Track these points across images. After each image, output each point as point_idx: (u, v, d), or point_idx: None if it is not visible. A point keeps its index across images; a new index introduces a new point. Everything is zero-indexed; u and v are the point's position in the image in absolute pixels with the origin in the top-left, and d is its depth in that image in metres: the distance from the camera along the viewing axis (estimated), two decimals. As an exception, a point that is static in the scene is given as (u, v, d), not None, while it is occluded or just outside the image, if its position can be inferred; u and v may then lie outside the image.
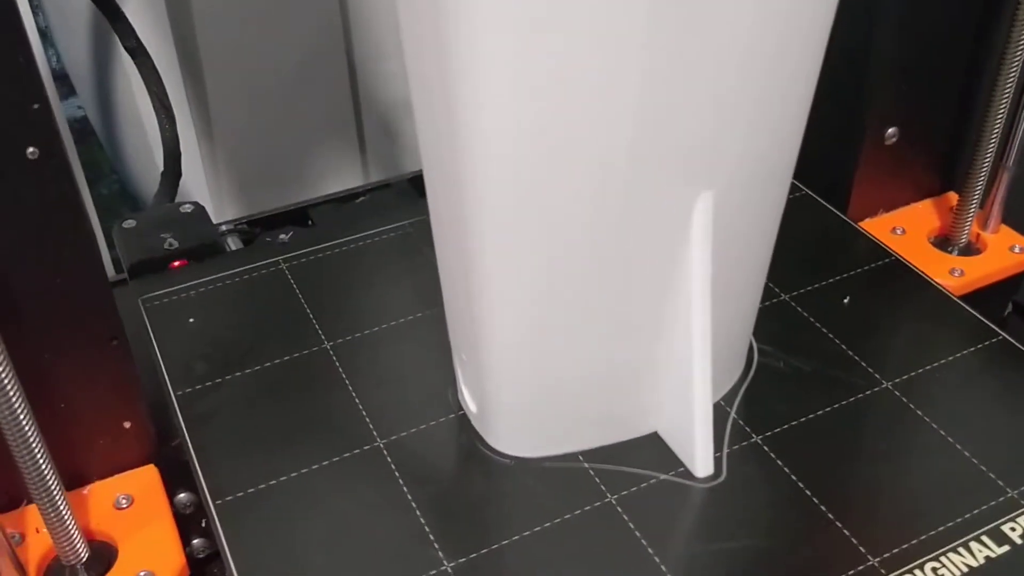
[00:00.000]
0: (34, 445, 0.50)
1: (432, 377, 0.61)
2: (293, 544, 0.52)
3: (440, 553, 0.52)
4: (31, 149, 0.49)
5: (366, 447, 0.57)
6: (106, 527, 0.57)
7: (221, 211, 0.98)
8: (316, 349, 0.63)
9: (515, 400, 0.56)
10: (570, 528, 0.53)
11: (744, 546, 0.52)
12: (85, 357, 0.56)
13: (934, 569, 0.50)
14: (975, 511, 0.53)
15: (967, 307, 0.66)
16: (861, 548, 0.51)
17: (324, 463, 0.56)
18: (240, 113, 0.94)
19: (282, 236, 0.75)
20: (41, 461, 0.50)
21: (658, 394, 0.56)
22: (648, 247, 0.51)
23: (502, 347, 0.54)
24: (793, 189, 0.76)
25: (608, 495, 0.54)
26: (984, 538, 0.52)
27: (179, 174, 0.86)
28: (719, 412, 0.58)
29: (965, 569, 0.50)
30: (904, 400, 0.59)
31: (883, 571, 0.50)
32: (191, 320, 0.65)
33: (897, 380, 0.60)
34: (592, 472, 0.56)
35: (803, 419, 0.58)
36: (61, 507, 0.52)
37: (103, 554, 0.55)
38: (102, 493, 0.58)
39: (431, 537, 0.52)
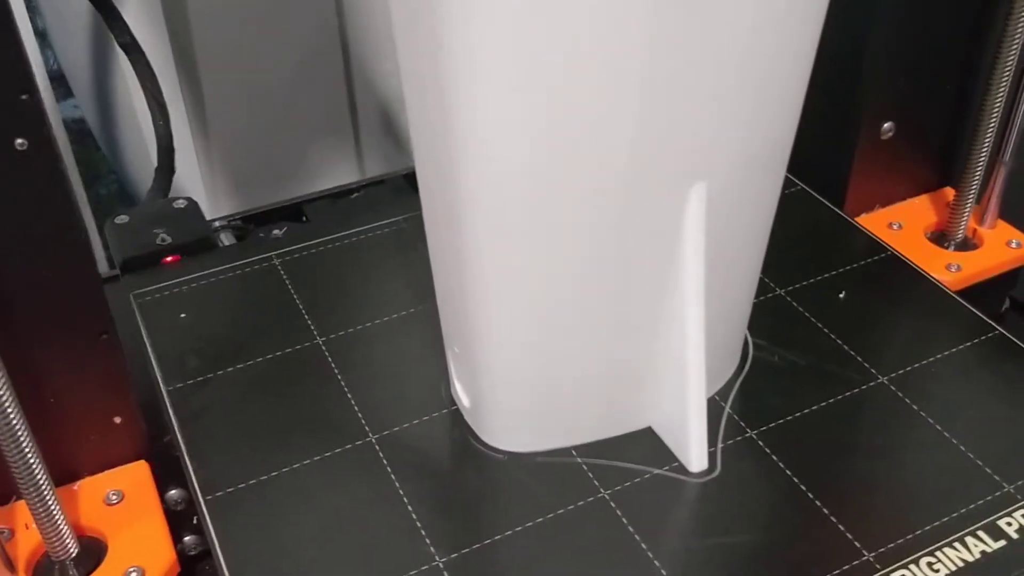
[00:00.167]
0: (23, 440, 0.49)
1: (425, 372, 0.61)
2: (284, 539, 0.52)
3: (432, 548, 0.51)
4: (20, 140, 0.49)
5: (358, 442, 0.57)
6: (96, 523, 0.56)
7: (216, 207, 0.98)
8: (308, 344, 0.63)
9: (508, 395, 0.55)
10: (563, 523, 0.53)
11: (738, 541, 0.52)
12: (75, 351, 0.56)
13: (929, 564, 0.50)
14: (971, 506, 0.53)
15: (963, 302, 0.65)
16: (856, 543, 0.51)
17: (316, 458, 0.56)
18: (235, 110, 0.94)
19: (275, 232, 0.75)
20: (30, 456, 0.50)
21: (652, 389, 0.56)
22: (642, 241, 0.51)
23: (495, 342, 0.54)
24: (789, 184, 0.76)
25: (601, 490, 0.54)
26: (980, 533, 0.51)
27: (173, 170, 0.85)
28: (714, 407, 0.58)
29: (961, 564, 0.50)
30: (900, 395, 0.59)
31: (878, 566, 0.50)
32: (183, 315, 0.65)
33: (893, 375, 0.60)
34: (585, 467, 0.55)
35: (798, 414, 0.58)
36: (50, 503, 0.52)
37: (93, 550, 0.55)
38: (92, 489, 0.58)
39: (423, 532, 0.52)
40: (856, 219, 0.75)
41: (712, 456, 0.55)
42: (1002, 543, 0.51)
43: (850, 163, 0.76)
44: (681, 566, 0.51)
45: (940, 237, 0.76)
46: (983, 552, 0.50)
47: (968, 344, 0.62)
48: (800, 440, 0.56)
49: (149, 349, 0.63)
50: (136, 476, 0.59)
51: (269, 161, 0.98)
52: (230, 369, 0.61)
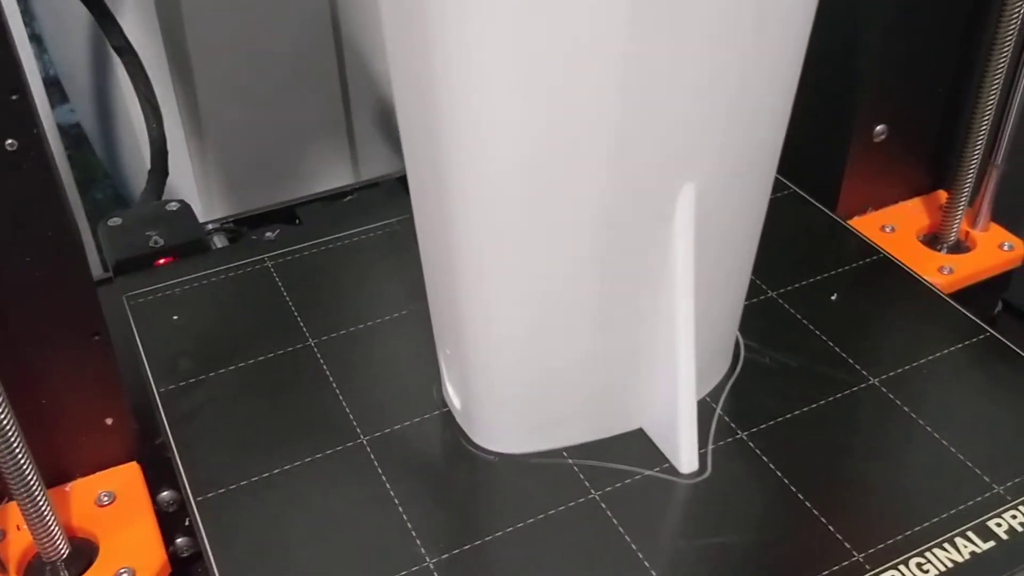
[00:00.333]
0: (14, 441, 0.49)
1: (416, 374, 0.61)
2: (275, 540, 0.52)
3: (423, 549, 0.51)
4: (9, 141, 0.49)
5: (349, 443, 0.57)
6: (87, 524, 0.56)
7: (210, 210, 0.98)
8: (300, 346, 0.63)
9: (499, 396, 0.55)
10: (554, 524, 0.53)
11: (728, 542, 0.52)
12: (67, 352, 0.56)
13: (919, 564, 0.50)
14: (960, 507, 0.53)
15: (954, 303, 0.66)
16: (846, 544, 0.51)
17: (307, 459, 0.56)
18: (230, 112, 0.94)
19: (268, 234, 0.75)
20: (21, 458, 0.50)
21: (643, 390, 0.56)
22: (632, 242, 0.51)
23: (486, 343, 0.54)
24: (781, 187, 0.76)
25: (592, 491, 0.54)
26: (969, 534, 0.51)
27: (166, 172, 0.85)
28: (705, 408, 0.58)
29: (950, 564, 0.50)
30: (891, 396, 0.59)
31: (868, 566, 0.50)
32: (175, 317, 0.65)
33: (884, 376, 0.60)
34: (576, 468, 0.55)
35: (789, 415, 0.58)
36: (42, 504, 0.52)
37: (84, 551, 0.55)
38: (84, 490, 0.58)
39: (413, 533, 0.52)
40: (849, 222, 0.75)
41: (703, 457, 0.56)
42: (991, 544, 0.51)
43: (843, 166, 0.76)
44: (671, 567, 0.51)
45: (933, 240, 0.77)
46: (972, 553, 0.51)
47: (959, 346, 0.62)
48: (791, 441, 0.57)
49: (141, 350, 0.63)
50: (128, 477, 0.59)
51: (263, 164, 0.98)
52: (222, 371, 0.61)
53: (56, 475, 0.58)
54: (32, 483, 0.51)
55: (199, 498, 0.54)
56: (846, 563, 0.50)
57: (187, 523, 0.59)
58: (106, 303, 0.57)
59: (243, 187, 0.97)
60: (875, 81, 0.73)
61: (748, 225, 0.56)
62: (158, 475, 0.59)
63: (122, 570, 0.54)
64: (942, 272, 0.73)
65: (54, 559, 0.54)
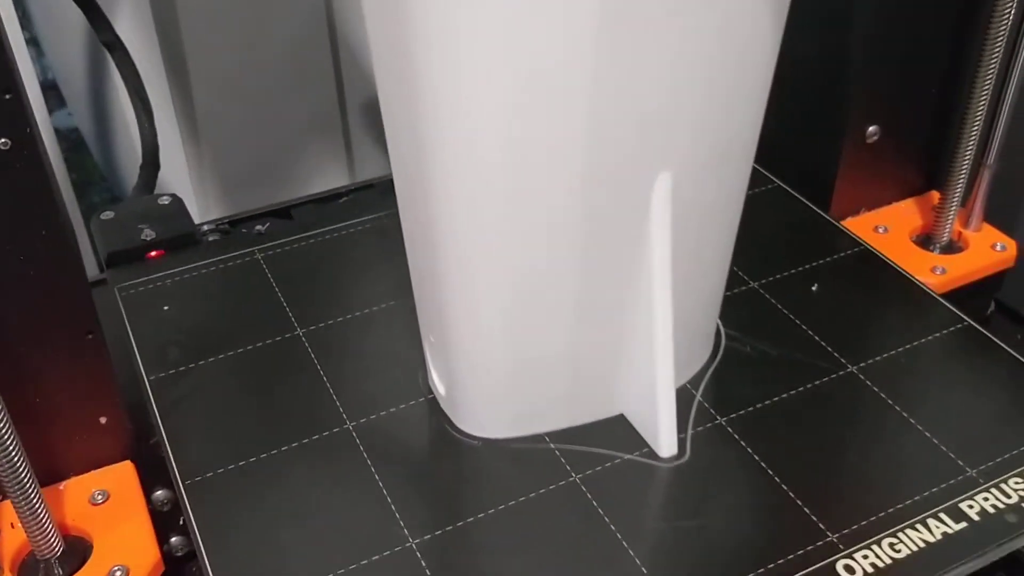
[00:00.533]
0: (8, 440, 0.49)
1: (403, 362, 0.62)
2: (261, 522, 0.53)
3: (406, 530, 0.52)
4: (2, 140, 0.49)
5: (336, 429, 0.58)
6: (81, 522, 0.57)
7: (206, 210, 0.99)
8: (289, 336, 0.64)
9: (482, 382, 0.56)
10: (535, 506, 0.54)
11: (706, 524, 0.53)
12: (61, 351, 0.56)
13: (891, 544, 0.51)
14: (934, 489, 0.54)
15: (932, 292, 0.67)
16: (820, 525, 0.52)
17: (294, 445, 0.57)
18: (226, 113, 0.94)
19: (258, 227, 0.76)
20: (15, 456, 0.50)
21: (623, 376, 0.57)
22: (610, 229, 0.52)
23: (469, 329, 0.55)
24: (764, 181, 0.77)
25: (573, 474, 0.55)
26: (942, 515, 0.52)
27: (157, 166, 0.86)
28: (685, 395, 0.59)
29: (922, 544, 0.51)
30: (868, 383, 0.60)
31: (841, 546, 0.51)
32: (166, 308, 0.66)
33: (862, 364, 0.61)
34: (558, 452, 0.56)
35: (767, 402, 0.59)
36: (35, 502, 0.52)
37: (78, 548, 0.55)
38: (78, 488, 0.59)
39: (397, 515, 0.53)
40: (842, 222, 0.75)
41: (682, 442, 0.56)
42: (963, 525, 0.52)
43: (835, 166, 0.76)
44: (650, 548, 0.52)
45: (925, 240, 0.77)
46: (944, 534, 0.51)
47: (936, 335, 0.63)
48: (769, 427, 0.58)
49: (132, 340, 0.64)
50: (121, 476, 0.59)
51: (260, 165, 0.99)
52: (211, 359, 0.62)
53: (50, 473, 0.58)
54: (26, 481, 0.51)
55: (188, 481, 0.55)
56: (820, 543, 0.51)
57: (181, 522, 0.59)
58: (100, 305, 0.57)
59: (239, 188, 0.98)
60: (867, 82, 0.73)
61: (726, 215, 0.57)
62: (152, 475, 0.60)
63: (115, 568, 0.54)
64: (935, 272, 0.73)
65: (48, 557, 0.54)
